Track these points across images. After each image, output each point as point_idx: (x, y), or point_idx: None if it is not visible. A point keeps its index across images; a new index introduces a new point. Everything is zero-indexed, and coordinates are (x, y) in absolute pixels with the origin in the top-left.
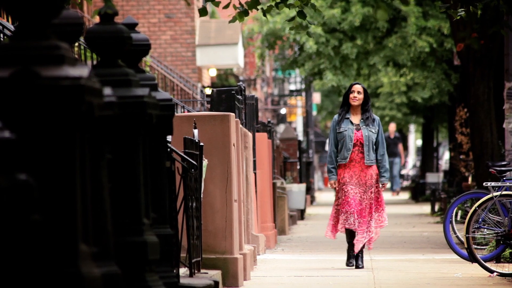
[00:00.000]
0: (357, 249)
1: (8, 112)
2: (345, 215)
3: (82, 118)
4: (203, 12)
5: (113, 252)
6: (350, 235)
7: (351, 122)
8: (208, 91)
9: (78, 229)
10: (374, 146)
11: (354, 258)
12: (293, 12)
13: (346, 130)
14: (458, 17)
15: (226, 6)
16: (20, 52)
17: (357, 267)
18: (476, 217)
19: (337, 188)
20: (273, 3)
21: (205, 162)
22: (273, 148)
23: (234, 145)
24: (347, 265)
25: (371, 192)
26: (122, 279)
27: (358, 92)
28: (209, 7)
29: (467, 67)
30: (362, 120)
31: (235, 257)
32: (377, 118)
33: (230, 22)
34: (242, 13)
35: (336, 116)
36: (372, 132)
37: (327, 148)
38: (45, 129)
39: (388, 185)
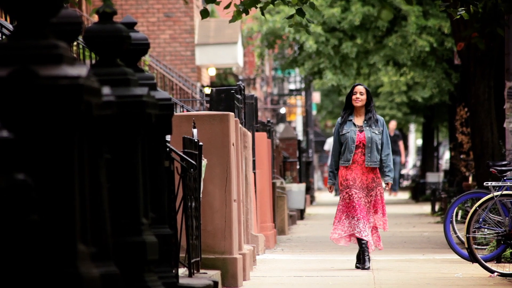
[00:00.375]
0: (372, 248)
1: (6, 112)
2: (352, 221)
3: (81, 117)
4: (204, 14)
5: (111, 252)
6: (359, 240)
7: (354, 124)
8: (207, 90)
9: (76, 229)
10: (379, 148)
11: (368, 258)
12: (292, 11)
13: (348, 132)
14: (458, 16)
15: (227, 6)
16: (19, 51)
17: (357, 267)
18: (477, 217)
19: (339, 190)
20: (269, 0)
21: (204, 162)
22: (272, 148)
23: (233, 144)
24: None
25: (371, 195)
26: (121, 279)
27: (361, 93)
28: (209, 6)
29: (467, 66)
30: (365, 122)
31: (235, 257)
32: (381, 118)
33: (230, 21)
34: (241, 12)
35: (339, 119)
36: (376, 133)
37: (325, 147)
38: (44, 128)
39: None
